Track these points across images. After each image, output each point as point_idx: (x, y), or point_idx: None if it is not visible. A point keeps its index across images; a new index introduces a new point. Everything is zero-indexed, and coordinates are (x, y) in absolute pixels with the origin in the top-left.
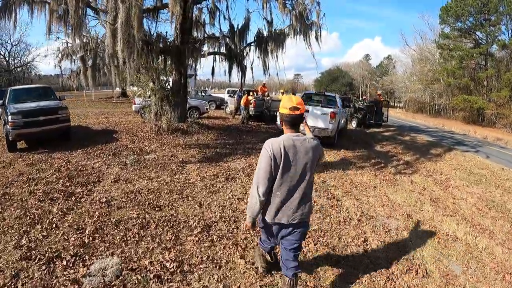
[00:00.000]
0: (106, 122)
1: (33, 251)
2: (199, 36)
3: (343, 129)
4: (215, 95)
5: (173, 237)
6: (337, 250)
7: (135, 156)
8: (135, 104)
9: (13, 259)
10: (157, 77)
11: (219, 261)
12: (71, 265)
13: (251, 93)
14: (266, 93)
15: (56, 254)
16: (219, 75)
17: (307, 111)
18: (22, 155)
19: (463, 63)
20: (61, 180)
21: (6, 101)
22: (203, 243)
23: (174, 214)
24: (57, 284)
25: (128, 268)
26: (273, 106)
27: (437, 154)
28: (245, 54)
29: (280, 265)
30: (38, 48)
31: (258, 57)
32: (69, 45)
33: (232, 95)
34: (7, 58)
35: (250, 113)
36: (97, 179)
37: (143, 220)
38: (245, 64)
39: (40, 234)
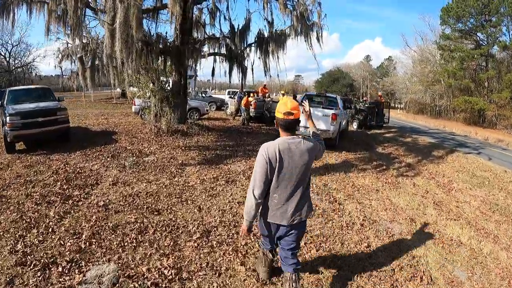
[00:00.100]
0: (105, 123)
1: (28, 257)
2: (199, 36)
3: (344, 131)
4: (215, 96)
5: (171, 243)
6: (340, 256)
7: (134, 158)
8: (135, 105)
9: (8, 264)
10: (157, 78)
11: (218, 268)
12: (66, 272)
13: (251, 94)
14: (267, 94)
15: (52, 260)
16: (219, 76)
17: None
18: (20, 157)
19: (464, 64)
20: (59, 183)
21: (5, 102)
22: (202, 249)
23: (173, 219)
24: None
25: (125, 275)
26: (273, 108)
27: (439, 156)
28: (245, 55)
29: (280, 265)
30: (39, 49)
31: (259, 58)
32: (69, 45)
33: (232, 96)
34: (7, 59)
35: (251, 114)
36: (95, 182)
37: (141, 224)
38: (245, 65)
39: (36, 239)
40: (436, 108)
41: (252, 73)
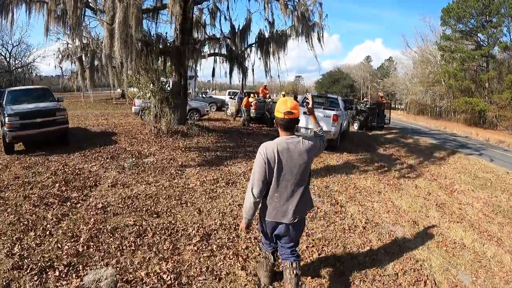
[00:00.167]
0: (105, 123)
1: (25, 260)
2: (199, 37)
3: (345, 132)
4: (215, 97)
5: (171, 246)
6: (342, 260)
7: (134, 159)
8: (134, 105)
9: (4, 268)
10: (156, 78)
11: (219, 272)
12: (64, 276)
13: (252, 95)
14: (267, 95)
15: (49, 263)
16: (219, 77)
17: None
18: (19, 158)
19: (464, 65)
20: (57, 184)
21: (4, 103)
22: (202, 253)
23: (172, 222)
24: None
25: (123, 280)
26: (274, 108)
27: (440, 157)
28: (246, 55)
29: (281, 269)
30: (39, 49)
31: (260, 59)
32: (69, 46)
33: (233, 97)
34: (7, 59)
35: (251, 115)
36: (94, 183)
37: (140, 227)
38: (246, 65)
39: (33, 242)
40: (437, 109)
41: (253, 74)
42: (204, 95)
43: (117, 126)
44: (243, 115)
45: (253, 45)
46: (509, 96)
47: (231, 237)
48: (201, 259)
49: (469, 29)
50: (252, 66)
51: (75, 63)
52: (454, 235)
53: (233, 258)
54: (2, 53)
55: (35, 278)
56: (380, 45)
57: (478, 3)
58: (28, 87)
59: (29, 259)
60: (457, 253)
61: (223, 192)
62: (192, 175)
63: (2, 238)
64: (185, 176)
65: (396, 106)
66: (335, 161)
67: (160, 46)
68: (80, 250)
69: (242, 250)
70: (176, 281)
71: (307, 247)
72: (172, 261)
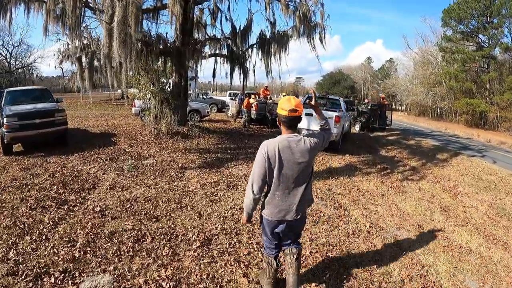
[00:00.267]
0: (105, 124)
1: (20, 266)
2: (200, 37)
3: (346, 133)
4: (216, 98)
5: (170, 252)
6: (347, 266)
7: (133, 161)
8: (135, 106)
9: None
10: (157, 79)
11: (220, 280)
12: (59, 283)
13: (252, 96)
14: (268, 96)
15: (45, 269)
16: (220, 78)
17: (310, 115)
18: (17, 159)
19: (465, 66)
20: (55, 187)
21: (2, 103)
22: (202, 259)
23: (172, 226)
24: None
25: (121, 287)
26: (275, 109)
27: (443, 159)
28: (247, 56)
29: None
30: (40, 50)
31: (261, 59)
32: (70, 46)
33: (233, 98)
34: (8, 59)
35: (252, 116)
36: (92, 186)
37: (139, 232)
38: (247, 66)
39: (29, 247)
40: (438, 110)
41: (254, 75)
42: (204, 96)
43: (117, 127)
44: (243, 116)
45: (254, 45)
46: (510, 97)
47: (233, 243)
48: (201, 265)
49: (470, 30)
50: (253, 67)
51: (75, 64)
52: (460, 239)
53: (235, 265)
54: (3, 53)
55: (30, 284)
56: (381, 46)
57: (479, 4)
58: (27, 87)
59: (24, 264)
60: (463, 258)
61: (224, 195)
62: (192, 177)
63: None
64: (185, 178)
65: (397, 107)
66: (337, 163)
67: (160, 47)
68: (77, 256)
69: (244, 256)
70: None
71: (310, 252)
72: (172, 268)
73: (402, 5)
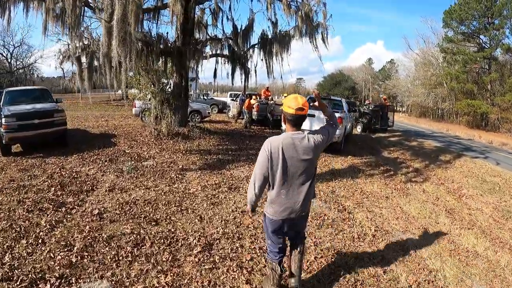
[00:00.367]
0: (105, 125)
1: (15, 271)
2: (201, 37)
3: (348, 134)
4: (217, 99)
5: (170, 257)
6: (354, 271)
7: (133, 162)
8: (135, 107)
9: None
10: (157, 79)
11: (221, 286)
12: None
13: (254, 97)
14: (270, 97)
15: (40, 275)
16: (221, 78)
17: (313, 116)
18: (15, 160)
19: (466, 67)
20: (53, 188)
21: (1, 103)
22: (203, 265)
23: (172, 230)
24: None
25: None
26: (276, 110)
27: (446, 161)
28: (248, 56)
29: (287, 283)
30: (40, 50)
31: (262, 60)
32: (70, 46)
33: (234, 98)
34: (9, 60)
35: (253, 117)
36: (90, 188)
37: (138, 236)
38: (248, 66)
39: (24, 251)
40: (439, 111)
41: (255, 75)
42: (205, 97)
43: (117, 128)
44: (245, 117)
45: (256, 45)
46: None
47: (235, 247)
48: (202, 271)
49: (471, 31)
50: (255, 67)
51: (75, 64)
52: (466, 243)
53: (237, 271)
54: (4, 54)
55: None
56: (382, 47)
57: (480, 5)
58: (26, 87)
59: (20, 269)
60: (470, 262)
61: (226, 198)
62: (193, 179)
63: None
64: (186, 180)
65: (398, 109)
66: (340, 164)
67: (161, 47)
68: (74, 261)
69: (247, 261)
70: None
71: (315, 257)
72: (172, 274)
73: (402, 5)
